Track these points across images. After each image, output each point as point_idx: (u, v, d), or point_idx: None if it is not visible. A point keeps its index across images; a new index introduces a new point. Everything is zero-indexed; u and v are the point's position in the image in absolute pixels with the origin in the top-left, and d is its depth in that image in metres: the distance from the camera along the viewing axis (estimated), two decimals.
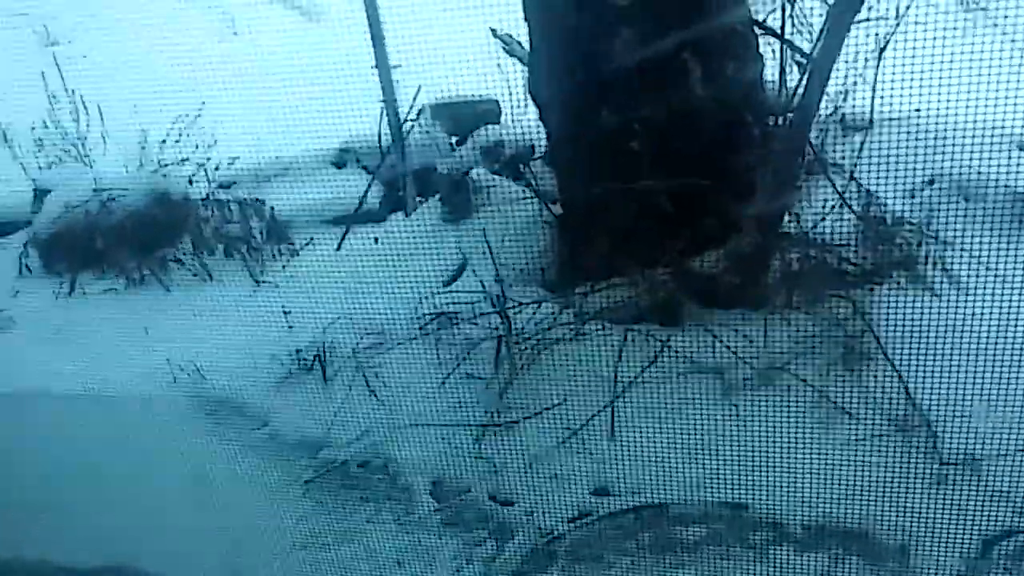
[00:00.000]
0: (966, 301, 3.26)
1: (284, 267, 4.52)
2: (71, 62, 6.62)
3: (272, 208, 4.82)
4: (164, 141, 5.25)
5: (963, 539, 2.39)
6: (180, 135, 5.25)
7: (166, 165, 5.08)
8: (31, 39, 9.81)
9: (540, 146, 4.78)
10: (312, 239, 4.87)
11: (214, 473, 3.04)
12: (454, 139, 5.51)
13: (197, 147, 5.26)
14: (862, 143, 3.49)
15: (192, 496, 2.93)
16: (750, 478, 2.68)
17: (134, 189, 4.78)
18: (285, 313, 3.44)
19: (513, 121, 5.73)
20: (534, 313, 3.28)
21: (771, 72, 3.47)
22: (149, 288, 4.47)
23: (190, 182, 5.13)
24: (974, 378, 2.71)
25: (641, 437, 2.86)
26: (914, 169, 3.64)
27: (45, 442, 3.34)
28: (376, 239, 4.69)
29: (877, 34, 3.26)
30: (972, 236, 3.43)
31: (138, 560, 2.64)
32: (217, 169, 5.26)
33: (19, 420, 3.49)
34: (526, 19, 3.48)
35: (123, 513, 2.86)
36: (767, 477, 2.66)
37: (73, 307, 4.42)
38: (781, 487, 2.61)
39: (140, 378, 3.63)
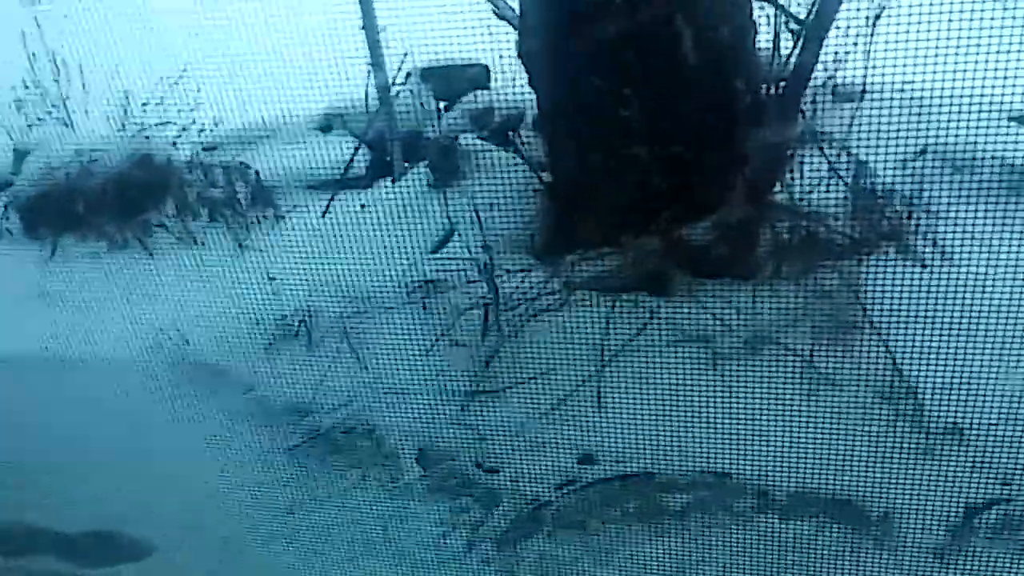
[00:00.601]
0: (955, 273, 3.27)
1: (269, 232, 4.47)
2: (52, 22, 6.47)
3: (257, 172, 4.76)
4: (147, 103, 5.16)
5: (947, 508, 2.41)
6: (163, 97, 5.16)
7: (149, 127, 4.99)
8: None
9: (530, 112, 4.72)
10: (297, 204, 4.81)
11: (198, 438, 3.02)
12: (442, 104, 5.44)
13: (180, 110, 5.17)
14: (853, 113, 3.46)
15: (177, 461, 2.91)
16: (736, 447, 2.69)
17: (116, 152, 4.70)
18: (270, 279, 3.40)
19: (502, 86, 5.68)
20: (522, 281, 3.26)
21: (764, 39, 3.42)
22: (132, 252, 4.42)
23: (174, 145, 5.06)
24: (962, 350, 2.72)
25: (628, 406, 2.86)
26: (905, 140, 3.63)
27: (28, 407, 3.32)
28: (362, 205, 4.65)
29: (872, 2, 3.22)
30: (962, 208, 3.43)
31: (125, 525, 2.63)
32: (201, 132, 5.18)
33: (1, 385, 3.46)
34: None
35: (109, 478, 2.85)
36: (753, 446, 2.67)
37: (55, 271, 4.37)
38: (767, 456, 2.62)
39: (123, 342, 3.60)
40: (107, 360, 3.57)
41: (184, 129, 5.11)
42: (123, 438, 3.07)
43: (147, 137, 4.90)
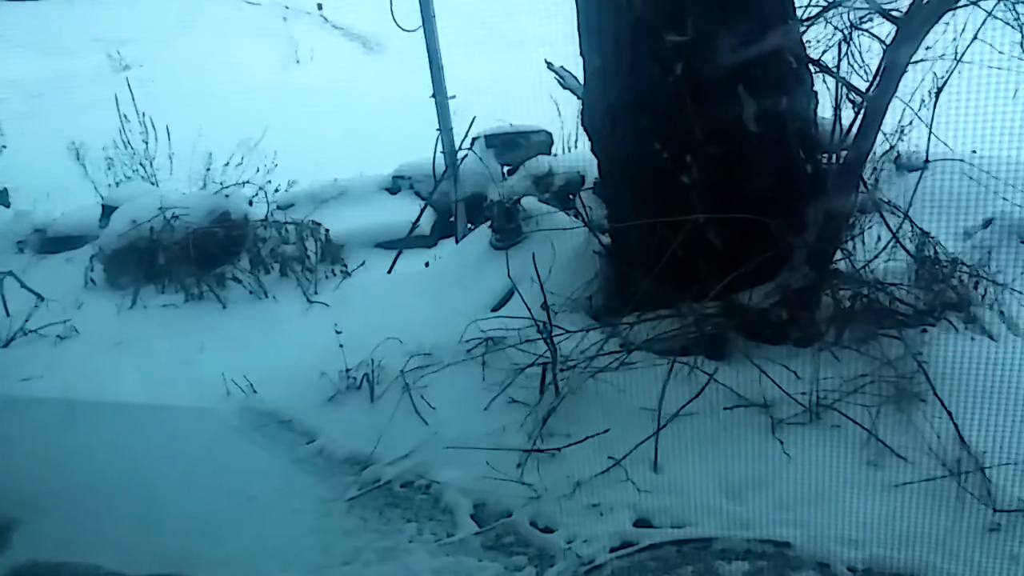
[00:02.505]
0: (1022, 345, 3.20)
1: (337, 288, 4.62)
2: (142, 86, 6.92)
3: (327, 230, 4.94)
4: (227, 163, 5.45)
5: None
6: (243, 158, 5.44)
7: (228, 186, 5.26)
8: (105, 63, 10.29)
9: (590, 176, 4.83)
10: (364, 261, 4.98)
11: (262, 485, 3.10)
12: (506, 168, 5.60)
13: (258, 169, 5.45)
14: (917, 182, 3.46)
15: (241, 507, 2.99)
16: (795, 516, 2.64)
17: (197, 208, 4.95)
18: (336, 332, 3.51)
19: (564, 151, 5.82)
20: (580, 341, 3.30)
21: (826, 109, 3.47)
22: (207, 303, 4.60)
23: (250, 203, 5.31)
24: None
25: (685, 469, 2.85)
26: (970, 210, 3.60)
27: (102, 449, 3.45)
28: (427, 263, 4.78)
29: (935, 74, 3.25)
30: None
31: (187, 569, 2.70)
32: (277, 191, 5.44)
33: (78, 427, 3.61)
34: (581, 54, 3.55)
35: (175, 523, 2.94)
36: (813, 515, 2.62)
37: (134, 320, 4.57)
38: (827, 527, 2.57)
39: (195, 390, 3.73)
40: (178, 407, 3.70)
41: (261, 188, 5.37)
42: (190, 482, 3.17)
43: (226, 195, 5.16)
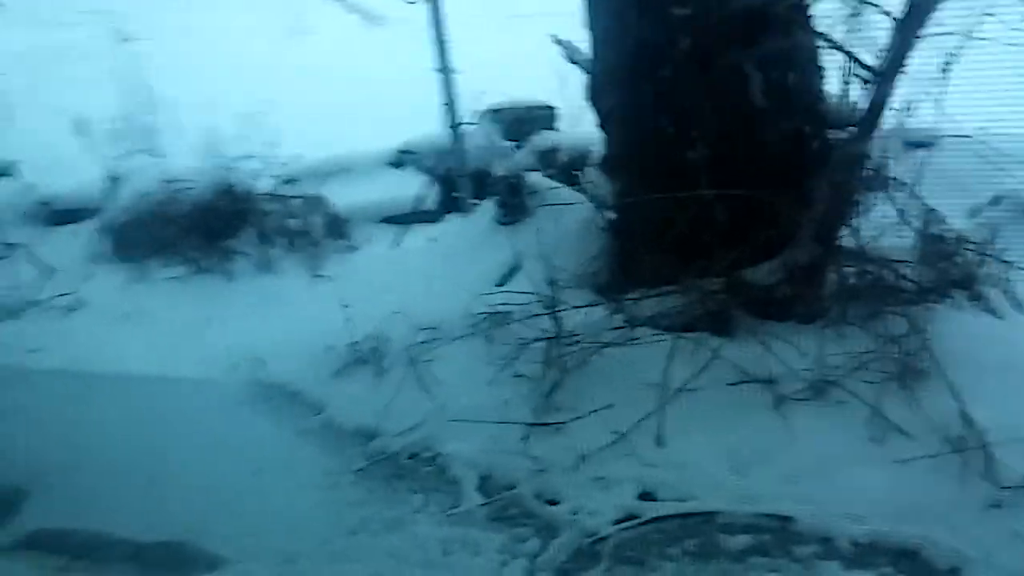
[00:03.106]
0: None
1: (342, 262, 4.63)
2: (146, 59, 6.88)
3: (333, 205, 4.94)
4: (232, 137, 5.42)
5: (1018, 564, 2.35)
6: (247, 132, 5.42)
7: (233, 160, 5.24)
8: (106, 36, 10.21)
9: (596, 152, 4.82)
10: (370, 236, 4.98)
11: (269, 458, 3.13)
12: (511, 143, 5.59)
13: (263, 144, 5.43)
14: (924, 159, 3.45)
15: (248, 479, 3.02)
16: (798, 490, 2.66)
17: (202, 181, 4.95)
18: (344, 306, 3.53)
19: (570, 127, 5.80)
20: (585, 316, 3.31)
21: (834, 84, 3.44)
22: (213, 277, 4.61)
23: (255, 177, 5.30)
24: None
25: (689, 444, 2.87)
26: (977, 187, 3.59)
27: (110, 420, 3.49)
28: (433, 238, 4.79)
29: (944, 50, 3.22)
30: None
31: (195, 538, 2.73)
32: (282, 165, 5.43)
33: (86, 398, 3.65)
34: (589, 28, 3.52)
35: (182, 493, 2.97)
36: (816, 490, 2.64)
37: (140, 292, 4.59)
38: (830, 502, 2.59)
39: (202, 363, 3.76)
40: (186, 379, 3.73)
41: (266, 162, 5.36)
42: (198, 453, 3.20)
43: (231, 169, 5.15)
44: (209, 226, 4.80)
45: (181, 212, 4.82)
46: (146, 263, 4.77)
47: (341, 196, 5.14)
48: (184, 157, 5.58)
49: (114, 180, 5.35)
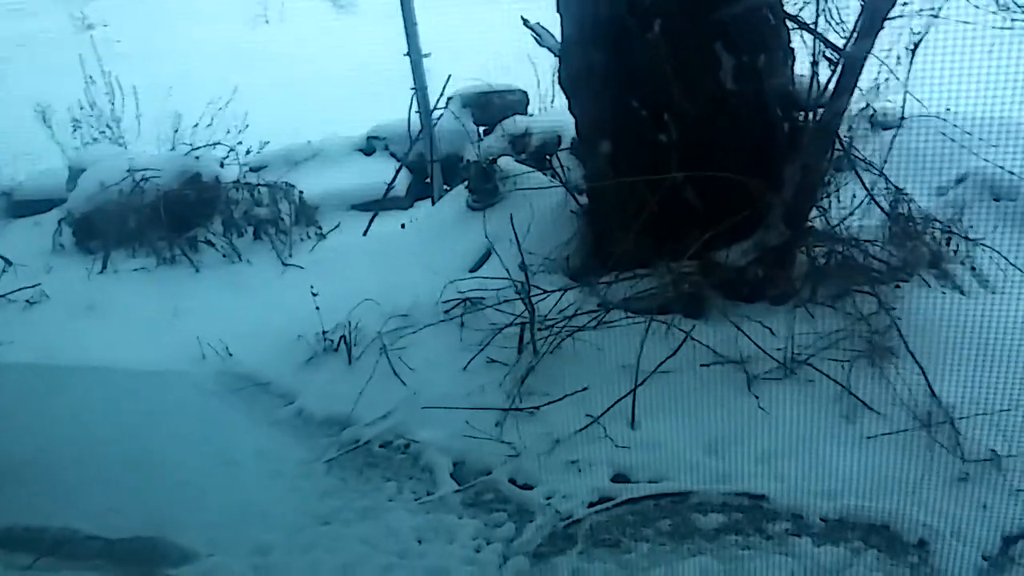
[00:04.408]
0: (994, 300, 3.25)
1: (312, 250, 4.58)
2: (107, 46, 6.74)
3: (301, 192, 4.88)
4: (197, 124, 5.34)
5: (984, 536, 2.39)
6: (213, 119, 5.33)
7: (198, 148, 5.15)
8: (68, 23, 9.99)
9: (567, 136, 4.80)
10: (340, 223, 4.93)
11: (240, 449, 3.09)
12: (482, 128, 5.55)
13: (229, 131, 5.34)
14: (892, 140, 3.48)
15: (220, 471, 2.98)
16: (771, 469, 2.69)
17: (167, 170, 4.86)
18: (313, 294, 3.48)
19: (541, 110, 5.78)
20: (558, 301, 3.30)
21: (803, 67, 3.45)
22: (180, 267, 4.54)
23: (221, 165, 5.22)
24: (999, 376, 2.71)
25: (662, 425, 2.88)
26: (944, 167, 3.62)
27: (77, 415, 3.42)
28: (403, 224, 4.75)
29: (911, 31, 3.24)
30: (1002, 235, 3.41)
31: (167, 532, 2.69)
32: (248, 153, 5.35)
33: (51, 392, 3.57)
34: (559, 10, 3.49)
35: (153, 486, 2.92)
36: (788, 468, 2.67)
37: (105, 284, 4.51)
38: (802, 479, 2.62)
39: (170, 354, 3.70)
40: (154, 371, 3.67)
41: (232, 150, 5.27)
42: (168, 446, 3.15)
43: (196, 157, 5.06)
44: (175, 216, 4.71)
45: (146, 202, 4.72)
46: (110, 254, 4.68)
47: (310, 183, 5.07)
48: (149, 145, 5.48)
49: (77, 170, 5.23)
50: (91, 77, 5.81)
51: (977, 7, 3.04)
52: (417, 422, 3.06)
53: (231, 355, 3.62)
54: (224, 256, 4.55)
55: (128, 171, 4.79)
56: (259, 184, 4.88)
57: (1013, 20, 3.18)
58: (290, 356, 3.52)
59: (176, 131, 5.40)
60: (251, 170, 5.34)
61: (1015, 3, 3.22)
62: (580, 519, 2.60)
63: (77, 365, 3.78)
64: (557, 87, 3.84)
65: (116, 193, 4.75)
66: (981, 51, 2.89)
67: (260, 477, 2.94)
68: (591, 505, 2.65)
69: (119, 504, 2.85)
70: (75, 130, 5.76)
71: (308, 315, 3.50)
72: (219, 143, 5.32)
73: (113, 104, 5.76)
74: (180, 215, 4.75)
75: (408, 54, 4.86)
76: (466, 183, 4.30)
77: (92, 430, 3.30)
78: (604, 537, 2.54)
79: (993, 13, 3.13)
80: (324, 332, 3.49)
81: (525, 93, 5.80)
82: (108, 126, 5.74)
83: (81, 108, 5.75)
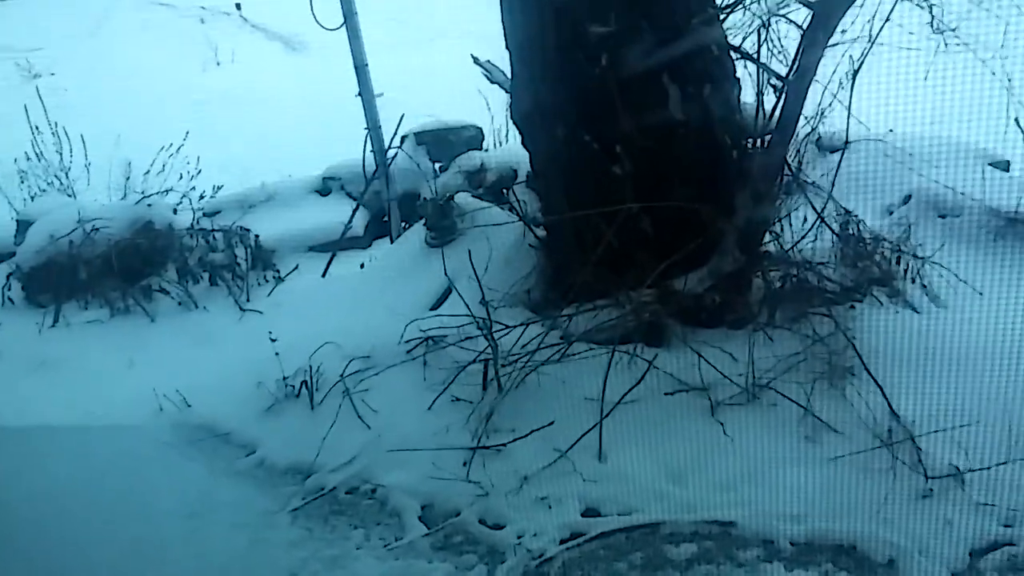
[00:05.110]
0: (946, 316, 3.32)
1: (270, 294, 4.52)
2: (54, 94, 6.65)
3: (257, 236, 4.83)
4: (148, 171, 5.27)
5: (950, 551, 2.41)
6: (164, 165, 5.27)
7: (150, 195, 5.08)
8: (14, 72, 9.84)
9: (522, 170, 4.83)
10: (297, 266, 4.88)
11: (201, 502, 3.01)
12: (438, 165, 5.57)
13: (181, 176, 5.29)
14: (839, 163, 3.56)
15: (180, 526, 2.90)
16: (738, 495, 2.69)
17: (118, 219, 4.78)
18: (272, 340, 3.43)
19: (495, 146, 5.82)
20: (520, 335, 3.29)
21: (749, 95, 3.53)
22: (134, 318, 4.45)
23: (175, 211, 5.15)
24: (956, 391, 2.76)
25: (630, 457, 2.87)
26: (889, 187, 3.72)
27: (29, 477, 3.30)
28: (362, 265, 4.72)
29: (851, 56, 3.34)
30: (949, 251, 3.50)
31: None
32: (202, 198, 5.29)
33: (3, 453, 3.45)
34: (507, 47, 3.53)
35: (111, 548, 2.82)
36: (755, 494, 2.67)
37: (57, 338, 4.39)
38: (769, 504, 2.63)
39: (126, 408, 3.60)
40: (109, 426, 3.57)
41: (185, 196, 5.21)
42: (126, 502, 3.06)
43: (149, 205, 4.98)
44: (128, 265, 4.63)
45: (97, 252, 4.63)
46: (62, 307, 4.56)
47: (266, 226, 5.02)
48: (100, 195, 5.39)
49: (24, 222, 5.12)
50: (37, 127, 5.71)
51: (912, 33, 3.14)
52: (383, 466, 3.01)
53: (189, 406, 3.54)
54: (180, 304, 4.47)
55: (78, 221, 4.70)
56: (214, 229, 4.82)
57: (947, 44, 3.30)
58: (250, 404, 3.45)
59: (127, 179, 5.33)
60: (205, 215, 5.28)
61: (949, 28, 3.34)
62: (552, 557, 2.57)
63: (28, 425, 3.66)
64: (510, 122, 3.87)
65: (66, 244, 4.65)
66: (917, 74, 3.00)
67: (222, 530, 2.86)
68: (562, 542, 2.62)
69: (77, 565, 2.75)
70: (22, 181, 5.65)
71: (268, 361, 3.44)
72: (171, 189, 5.26)
73: (61, 154, 5.66)
74: (133, 264, 4.66)
75: (360, 94, 4.87)
76: (424, 221, 4.30)
77: (47, 490, 3.19)
78: (577, 574, 2.52)
79: (928, 39, 3.24)
80: (285, 378, 3.43)
81: (479, 129, 5.84)
82: (56, 176, 5.63)
83: (28, 159, 5.65)
